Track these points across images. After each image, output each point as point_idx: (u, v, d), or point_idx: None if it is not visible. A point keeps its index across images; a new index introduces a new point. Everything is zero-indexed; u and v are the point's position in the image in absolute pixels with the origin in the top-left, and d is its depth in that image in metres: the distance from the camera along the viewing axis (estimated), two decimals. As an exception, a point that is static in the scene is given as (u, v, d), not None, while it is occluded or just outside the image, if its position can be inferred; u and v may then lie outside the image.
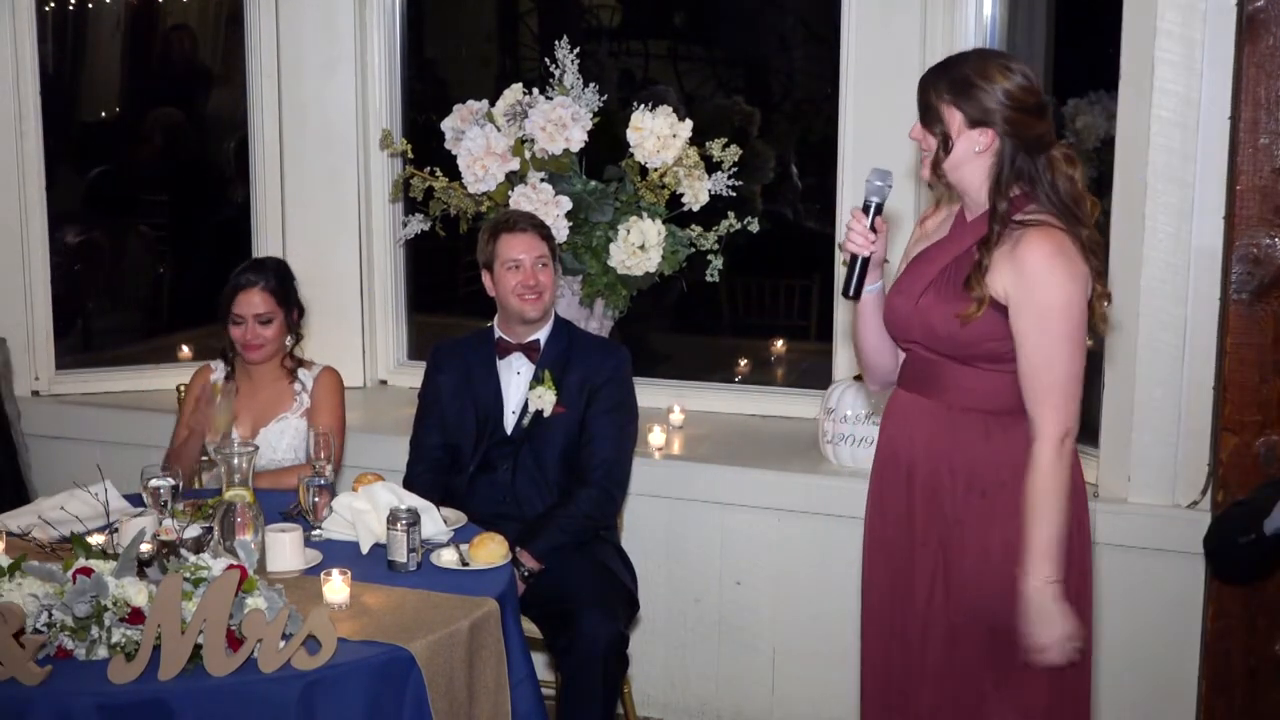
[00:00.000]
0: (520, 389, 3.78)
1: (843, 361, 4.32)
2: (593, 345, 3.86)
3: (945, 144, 2.72)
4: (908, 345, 2.88)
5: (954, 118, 2.70)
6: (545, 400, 3.72)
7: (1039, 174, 2.69)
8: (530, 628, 3.42)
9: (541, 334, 3.79)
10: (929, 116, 2.74)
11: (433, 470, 3.80)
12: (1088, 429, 3.94)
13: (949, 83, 2.70)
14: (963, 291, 2.71)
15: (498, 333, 3.83)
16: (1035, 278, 2.62)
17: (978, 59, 2.74)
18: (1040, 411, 2.64)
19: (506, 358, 3.80)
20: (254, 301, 3.85)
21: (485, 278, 3.79)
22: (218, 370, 4.00)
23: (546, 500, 3.73)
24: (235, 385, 3.75)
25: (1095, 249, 2.70)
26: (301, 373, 3.96)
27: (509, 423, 3.78)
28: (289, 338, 3.95)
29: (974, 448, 2.76)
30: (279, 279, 3.92)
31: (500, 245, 3.72)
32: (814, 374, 4.70)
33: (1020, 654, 2.69)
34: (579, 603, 3.46)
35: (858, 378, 4.10)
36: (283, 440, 3.90)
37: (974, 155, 2.70)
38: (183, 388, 4.11)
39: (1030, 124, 2.68)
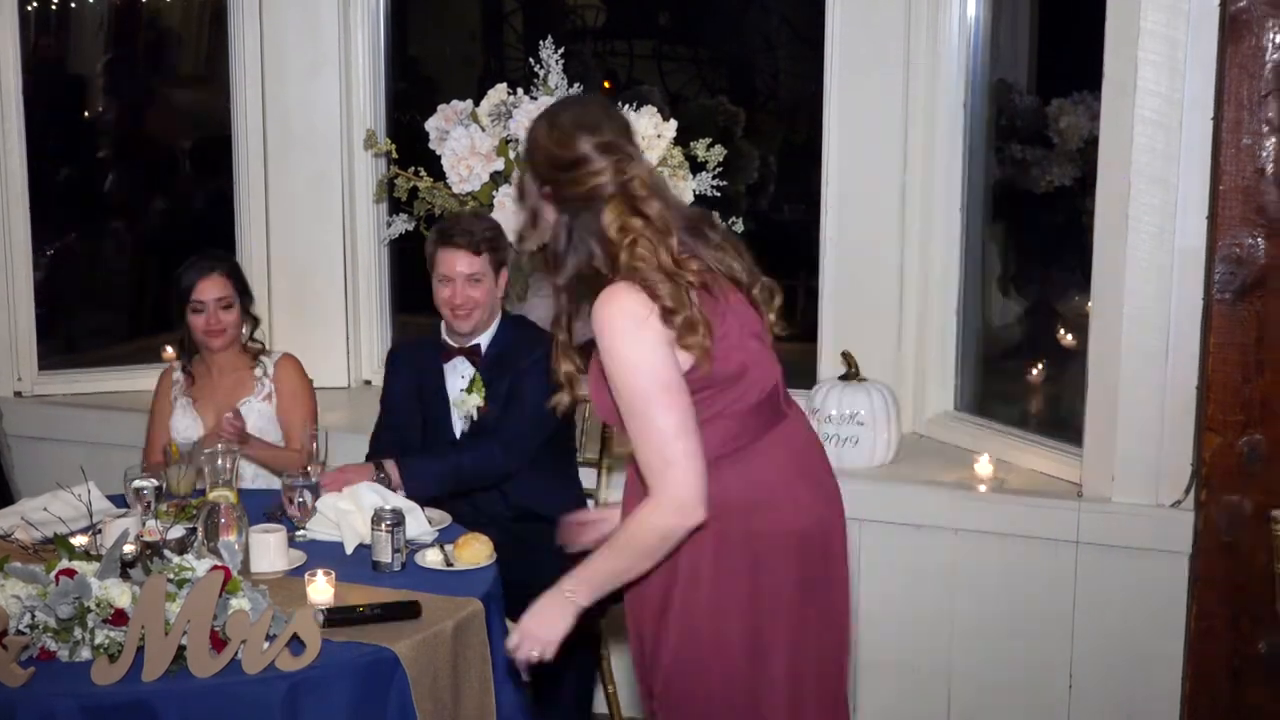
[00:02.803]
0: (462, 393, 3.79)
1: (828, 361, 4.33)
2: (529, 338, 3.78)
3: None
4: None
5: None
6: (469, 405, 3.74)
7: None
8: (513, 628, 3.41)
9: (484, 338, 3.79)
10: None
11: None
12: (1071, 428, 3.98)
13: None
14: None
15: (443, 335, 3.83)
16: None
17: None
18: (647, 477, 2.47)
19: (451, 362, 3.80)
20: (216, 286, 3.90)
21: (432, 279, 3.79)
22: (177, 370, 4.03)
23: (502, 498, 3.73)
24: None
25: None
26: (262, 358, 4.01)
27: (457, 426, 3.79)
28: (246, 324, 3.99)
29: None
30: (233, 267, 4.01)
31: (437, 257, 3.72)
32: (799, 373, 4.69)
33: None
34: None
35: (842, 377, 4.12)
36: (247, 423, 3.89)
37: None
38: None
39: None
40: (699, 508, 2.44)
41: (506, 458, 3.69)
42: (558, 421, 3.77)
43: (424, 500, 3.50)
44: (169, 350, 5.04)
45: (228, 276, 3.94)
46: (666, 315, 2.43)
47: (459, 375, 3.79)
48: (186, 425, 3.91)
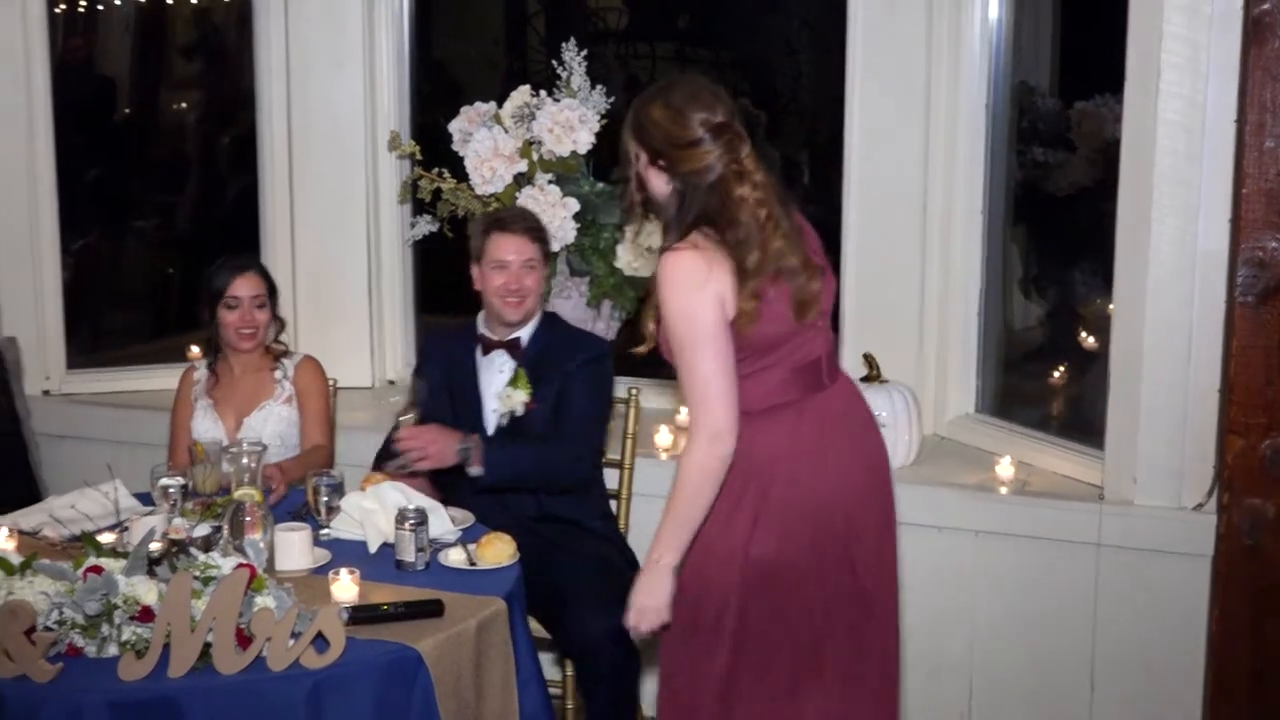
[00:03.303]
0: (502, 387, 3.75)
1: (849, 363, 4.31)
2: (571, 338, 3.82)
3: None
4: None
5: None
6: (515, 400, 3.70)
7: None
8: (536, 627, 3.43)
9: (524, 332, 3.76)
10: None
11: None
12: (1093, 431, 3.97)
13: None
14: None
15: (481, 328, 3.80)
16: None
17: None
18: (690, 413, 2.79)
19: (489, 355, 3.77)
20: (251, 284, 3.94)
21: (474, 270, 3.76)
22: (200, 368, 4.05)
23: (533, 499, 3.70)
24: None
25: None
26: (283, 360, 4.03)
27: (490, 421, 3.74)
28: (273, 326, 4.02)
29: None
30: (263, 268, 4.06)
31: (490, 244, 3.71)
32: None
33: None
34: (571, 601, 3.46)
35: (864, 379, 4.11)
36: (266, 428, 3.92)
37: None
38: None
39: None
40: (729, 437, 2.74)
41: (577, 464, 3.70)
42: (605, 428, 3.81)
43: (489, 488, 3.54)
44: (194, 349, 5.08)
45: (261, 276, 3.98)
46: (742, 275, 2.73)
47: (496, 369, 3.76)
48: (206, 427, 3.92)
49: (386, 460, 3.61)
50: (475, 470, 3.56)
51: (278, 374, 4.00)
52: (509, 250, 3.68)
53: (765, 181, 2.82)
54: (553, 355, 3.72)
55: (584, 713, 3.52)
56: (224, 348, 3.99)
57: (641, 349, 2.90)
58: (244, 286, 3.92)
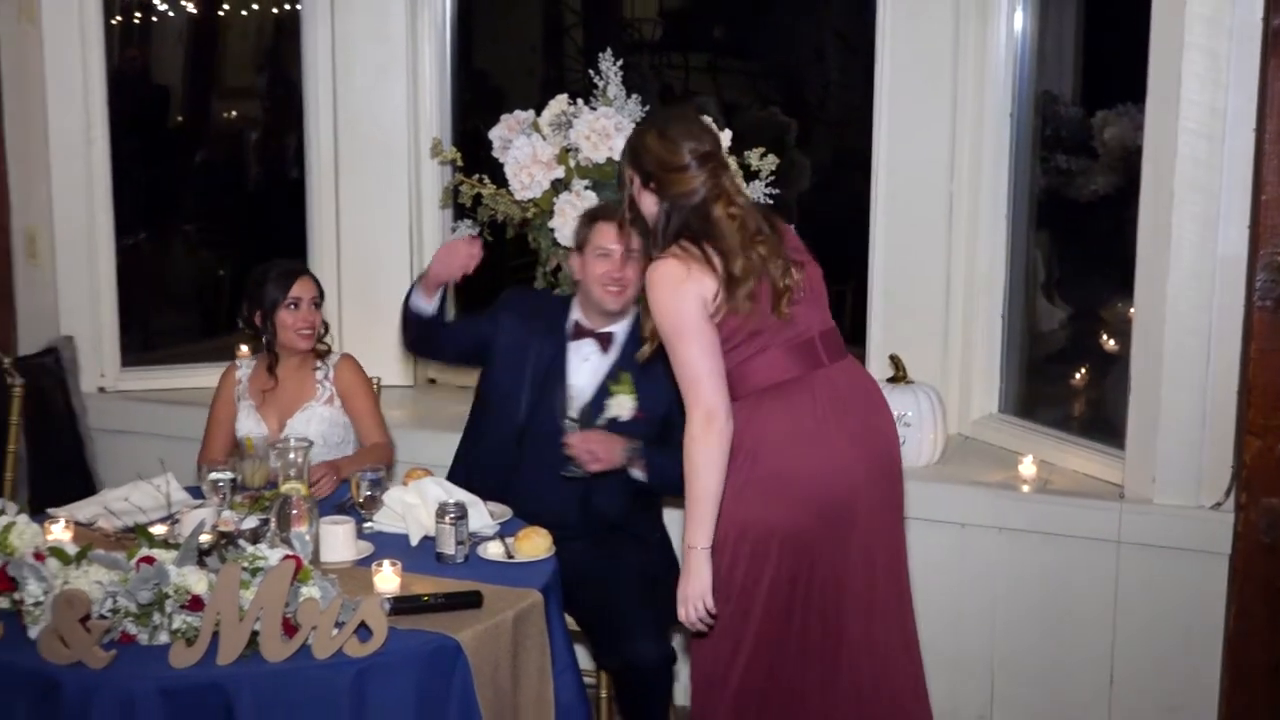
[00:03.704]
0: (587, 378, 3.71)
1: (876, 364, 4.38)
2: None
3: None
4: None
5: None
6: (624, 407, 3.67)
7: None
8: (572, 622, 3.48)
9: (618, 327, 3.74)
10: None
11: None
12: (1113, 431, 4.02)
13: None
14: None
15: (575, 313, 3.77)
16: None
17: None
18: (685, 399, 2.97)
19: (578, 341, 3.75)
20: (309, 286, 4.02)
21: (574, 259, 3.74)
22: (243, 368, 4.11)
23: (623, 499, 3.69)
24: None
25: None
26: (324, 361, 4.08)
27: (572, 406, 3.64)
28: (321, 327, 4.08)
29: None
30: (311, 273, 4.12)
31: (594, 232, 3.68)
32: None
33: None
34: (627, 623, 3.47)
35: (890, 379, 4.18)
36: (310, 428, 3.95)
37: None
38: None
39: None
40: (722, 414, 2.93)
41: None
42: None
43: (650, 491, 3.62)
44: (244, 349, 5.18)
45: (313, 279, 4.06)
46: (731, 282, 2.94)
47: (581, 357, 3.73)
48: (249, 428, 3.97)
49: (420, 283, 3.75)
50: (638, 473, 3.61)
51: (319, 374, 4.05)
52: (613, 239, 3.63)
53: (744, 202, 3.08)
54: (652, 367, 3.61)
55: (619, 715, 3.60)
56: (279, 349, 4.03)
57: (645, 350, 3.10)
58: (303, 288, 4.00)
